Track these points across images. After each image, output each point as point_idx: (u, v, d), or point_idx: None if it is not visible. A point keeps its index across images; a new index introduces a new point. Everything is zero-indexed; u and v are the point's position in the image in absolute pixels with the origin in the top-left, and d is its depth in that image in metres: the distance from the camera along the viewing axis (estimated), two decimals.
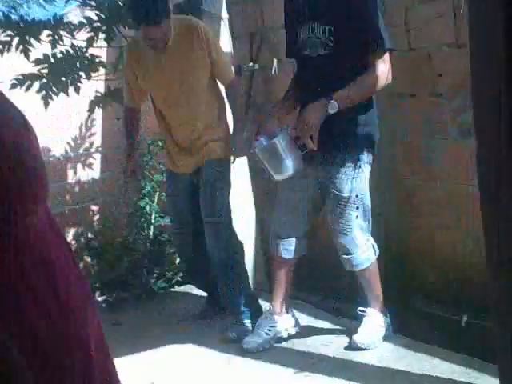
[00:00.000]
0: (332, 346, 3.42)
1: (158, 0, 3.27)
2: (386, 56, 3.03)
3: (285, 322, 3.52)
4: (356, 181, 3.14)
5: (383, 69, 3.01)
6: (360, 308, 3.39)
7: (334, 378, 3.06)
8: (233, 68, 3.91)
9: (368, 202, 3.23)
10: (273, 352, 3.44)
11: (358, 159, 3.13)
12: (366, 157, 3.15)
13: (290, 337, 3.53)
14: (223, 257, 3.66)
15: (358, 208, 3.18)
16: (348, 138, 3.12)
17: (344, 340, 3.43)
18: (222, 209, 3.65)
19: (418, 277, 3.77)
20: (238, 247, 3.77)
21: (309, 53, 3.13)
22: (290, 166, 3.05)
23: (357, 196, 3.16)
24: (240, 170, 4.03)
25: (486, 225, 1.40)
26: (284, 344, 3.51)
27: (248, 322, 3.65)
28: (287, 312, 3.53)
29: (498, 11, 1.17)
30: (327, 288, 4.04)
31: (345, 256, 3.26)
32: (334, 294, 3.95)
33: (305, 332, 3.58)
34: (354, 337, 3.32)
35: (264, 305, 3.76)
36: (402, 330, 3.48)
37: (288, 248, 3.39)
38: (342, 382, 3.00)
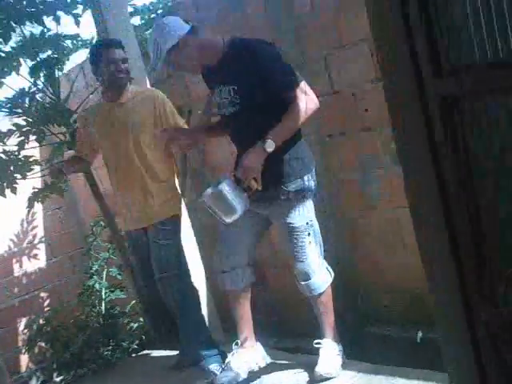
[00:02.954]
0: (293, 382, 3.37)
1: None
2: (302, 85, 3.12)
3: (253, 354, 3.51)
4: (303, 209, 3.24)
5: (305, 97, 3.10)
6: (316, 341, 3.39)
7: None
8: None
9: (317, 226, 3.32)
10: None
11: (300, 189, 3.23)
12: (307, 185, 3.25)
13: (252, 377, 3.50)
14: (179, 306, 3.70)
15: (309, 234, 3.26)
16: (287, 171, 3.23)
17: (304, 375, 3.39)
18: (170, 264, 3.70)
19: (370, 302, 3.84)
20: (193, 296, 3.79)
21: (224, 113, 3.30)
22: (238, 207, 3.15)
23: (307, 223, 3.25)
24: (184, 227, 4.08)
25: (420, 244, 1.47)
26: None
27: (214, 367, 3.63)
28: (254, 344, 3.54)
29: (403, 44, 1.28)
30: (281, 329, 4.06)
31: (303, 282, 3.31)
32: (288, 333, 3.97)
33: (265, 372, 3.53)
34: (317, 369, 3.30)
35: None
36: (360, 355, 3.49)
37: (234, 278, 3.43)
38: None
